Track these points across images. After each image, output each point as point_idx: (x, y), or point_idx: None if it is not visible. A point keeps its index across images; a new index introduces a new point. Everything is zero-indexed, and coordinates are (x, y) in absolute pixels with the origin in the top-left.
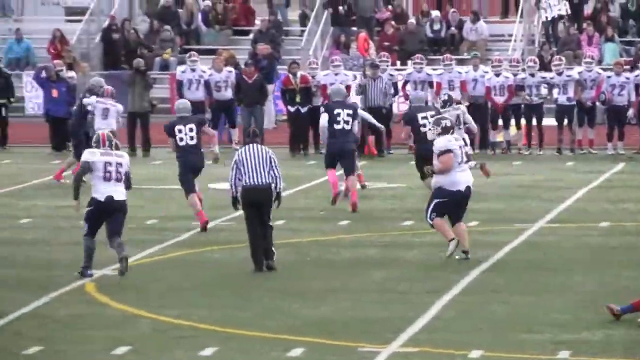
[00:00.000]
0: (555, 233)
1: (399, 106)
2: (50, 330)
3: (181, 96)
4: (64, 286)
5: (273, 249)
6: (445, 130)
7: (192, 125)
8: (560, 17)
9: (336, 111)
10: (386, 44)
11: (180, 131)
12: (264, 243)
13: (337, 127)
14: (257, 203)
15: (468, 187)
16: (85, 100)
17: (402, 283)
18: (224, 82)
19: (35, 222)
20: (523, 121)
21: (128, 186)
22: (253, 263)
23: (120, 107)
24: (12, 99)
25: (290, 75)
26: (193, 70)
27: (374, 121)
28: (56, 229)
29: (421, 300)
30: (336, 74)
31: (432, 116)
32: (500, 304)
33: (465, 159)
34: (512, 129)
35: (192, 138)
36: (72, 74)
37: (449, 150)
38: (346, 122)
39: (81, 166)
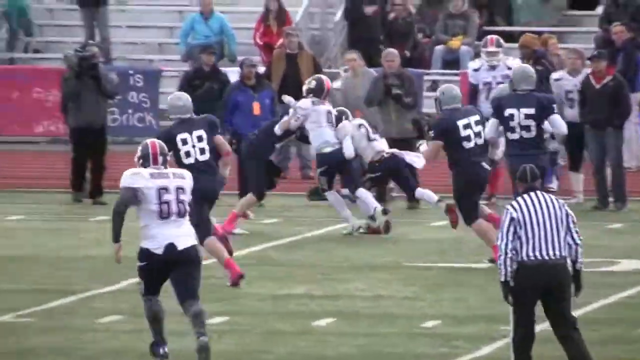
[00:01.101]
0: None
1: None
2: None
3: None
4: None
5: None
6: None
7: (202, 133)
8: None
9: (463, 122)
10: None
11: (184, 142)
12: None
13: (467, 145)
14: (547, 289)
15: None
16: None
17: None
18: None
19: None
20: None
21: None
22: None
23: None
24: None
25: None
26: (492, 67)
27: None
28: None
29: None
30: None
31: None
32: None
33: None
34: None
35: (202, 151)
36: (340, 81)
37: None
38: (478, 135)
39: (121, 196)
